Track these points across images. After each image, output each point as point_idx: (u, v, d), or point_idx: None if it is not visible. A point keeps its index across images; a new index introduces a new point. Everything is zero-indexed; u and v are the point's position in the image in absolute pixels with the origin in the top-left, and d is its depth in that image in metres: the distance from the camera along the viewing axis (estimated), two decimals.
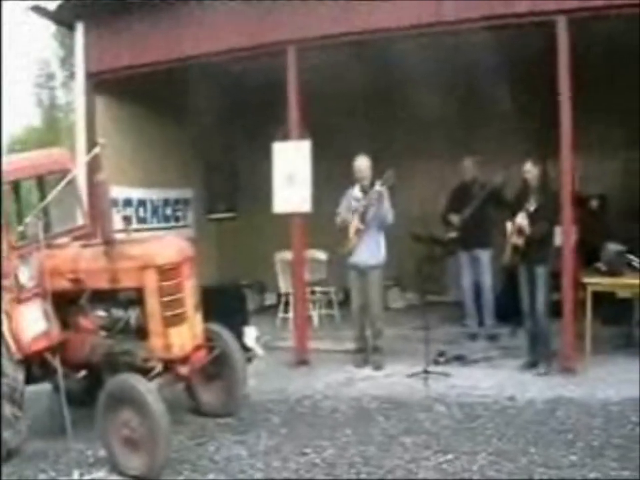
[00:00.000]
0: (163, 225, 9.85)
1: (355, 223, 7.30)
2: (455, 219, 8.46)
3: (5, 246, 5.37)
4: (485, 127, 9.52)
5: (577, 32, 6.54)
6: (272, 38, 7.62)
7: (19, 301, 5.43)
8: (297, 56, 7.55)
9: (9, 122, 16.04)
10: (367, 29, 7.28)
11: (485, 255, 8.38)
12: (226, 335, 5.96)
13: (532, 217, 6.78)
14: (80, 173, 6.99)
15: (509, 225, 7.00)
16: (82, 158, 7.93)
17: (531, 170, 6.94)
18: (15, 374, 5.26)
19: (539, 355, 6.93)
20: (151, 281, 5.26)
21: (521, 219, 6.76)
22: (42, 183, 6.28)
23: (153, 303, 5.27)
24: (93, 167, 7.42)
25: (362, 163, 7.43)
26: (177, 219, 10.20)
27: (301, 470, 4.92)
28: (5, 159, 5.78)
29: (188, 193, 10.43)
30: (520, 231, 6.82)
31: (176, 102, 9.06)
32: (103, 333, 5.53)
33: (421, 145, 10.16)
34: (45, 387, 5.91)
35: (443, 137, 9.67)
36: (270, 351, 8.20)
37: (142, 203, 9.48)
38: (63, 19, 8.91)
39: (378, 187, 7.17)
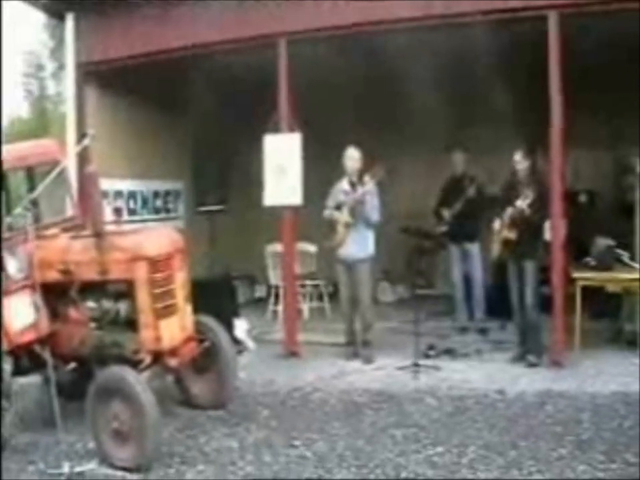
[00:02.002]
0: (153, 216, 9.82)
1: (343, 217, 7.30)
2: (445, 212, 8.49)
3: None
4: (475, 121, 9.52)
5: (569, 27, 6.55)
6: (263, 30, 7.58)
7: (8, 292, 5.39)
8: (288, 48, 7.53)
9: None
10: (358, 22, 7.27)
11: (475, 249, 8.41)
12: (216, 327, 5.94)
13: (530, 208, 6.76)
14: (70, 164, 6.95)
15: (497, 221, 7.01)
16: (72, 149, 7.88)
17: (520, 161, 6.94)
18: (4, 365, 5.22)
19: (529, 349, 6.95)
20: (141, 273, 5.24)
21: (521, 203, 6.72)
22: (31, 174, 6.24)
23: (143, 294, 5.25)
24: (83, 158, 7.41)
25: (352, 155, 7.42)
26: (167, 211, 10.17)
27: (291, 462, 4.92)
28: None
29: (178, 184, 10.40)
30: (513, 224, 6.81)
31: (167, 93, 9.02)
32: (93, 325, 5.49)
33: (411, 139, 10.16)
34: (35, 379, 5.88)
35: (433, 130, 9.67)
36: (260, 343, 8.20)
37: (132, 194, 9.43)
38: (53, 9, 8.84)
39: (367, 181, 7.17)
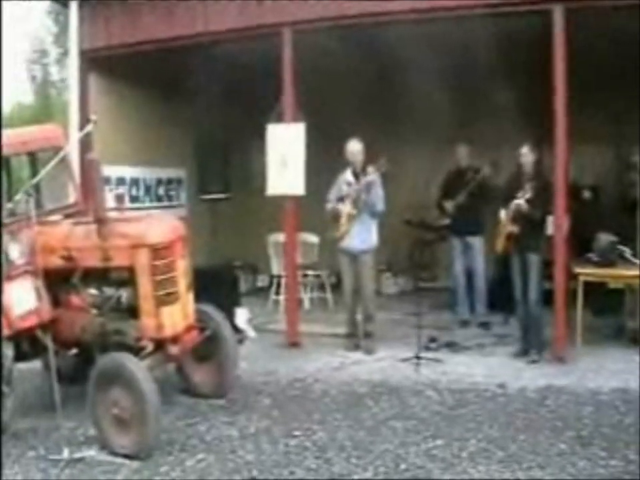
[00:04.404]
0: (155, 204, 9.78)
1: (347, 208, 7.28)
2: (448, 205, 8.45)
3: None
4: (478, 115, 9.48)
5: (574, 21, 6.51)
6: (267, 19, 7.54)
7: (9, 277, 5.38)
8: (293, 38, 7.49)
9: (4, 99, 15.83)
10: (363, 12, 7.22)
11: (477, 242, 8.38)
12: (217, 315, 5.94)
13: (528, 203, 6.76)
14: (72, 150, 6.92)
15: (502, 213, 6.99)
16: (75, 135, 7.86)
17: (527, 154, 6.92)
18: (5, 351, 5.22)
19: (531, 343, 6.95)
20: (143, 260, 5.23)
21: (520, 199, 6.72)
22: (34, 159, 6.21)
23: (144, 282, 5.25)
24: (86, 144, 7.39)
25: (354, 147, 7.41)
26: (169, 199, 10.15)
27: (291, 452, 4.92)
28: None
29: (181, 172, 10.37)
30: (515, 219, 6.81)
31: (170, 81, 8.98)
32: (95, 311, 5.48)
33: (414, 130, 10.13)
34: (35, 364, 5.88)
35: (437, 122, 9.62)
36: (261, 333, 8.20)
37: (135, 181, 9.40)
38: None
39: (371, 173, 7.15)
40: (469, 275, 8.50)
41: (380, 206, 7.30)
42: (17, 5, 15.88)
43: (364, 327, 7.51)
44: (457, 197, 8.34)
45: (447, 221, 8.56)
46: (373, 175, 7.16)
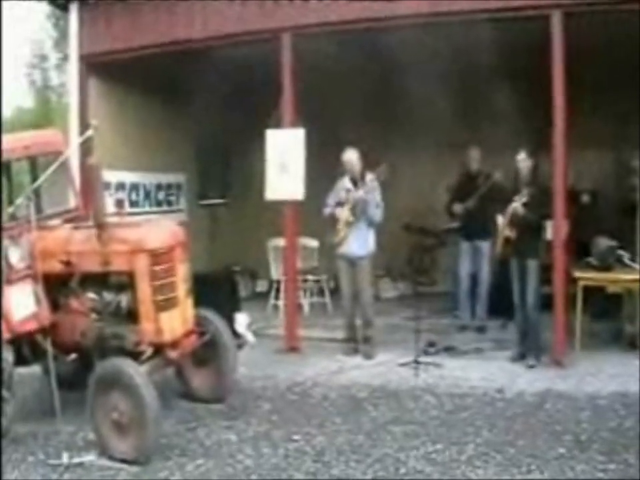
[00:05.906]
0: (155, 209, 9.80)
1: (344, 215, 7.30)
2: (458, 208, 8.43)
3: None
4: (478, 120, 9.50)
5: (572, 26, 6.54)
6: (267, 24, 7.57)
7: (9, 281, 5.39)
8: (292, 42, 7.51)
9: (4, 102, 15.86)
10: (363, 17, 7.25)
11: (485, 246, 8.34)
12: (217, 320, 5.95)
13: (524, 207, 6.77)
14: (73, 155, 6.94)
15: (500, 218, 7.01)
16: (75, 140, 7.87)
17: (524, 159, 6.94)
18: (5, 355, 5.22)
19: (529, 348, 6.96)
20: (142, 265, 5.25)
21: (516, 203, 6.74)
22: (34, 164, 6.23)
23: (144, 286, 5.26)
24: (86, 149, 7.40)
25: (351, 157, 7.42)
26: (169, 204, 10.15)
27: (290, 456, 4.93)
28: None
29: (180, 177, 10.38)
30: (512, 223, 6.83)
31: (170, 86, 9.00)
32: (94, 316, 5.50)
33: (414, 136, 10.15)
34: (35, 369, 5.89)
35: (436, 128, 9.65)
36: (261, 337, 8.20)
37: (134, 186, 9.41)
38: (57, 0, 8.83)
39: (369, 180, 7.16)
40: (474, 279, 8.49)
41: (378, 216, 7.31)
42: (16, 5, 15.87)
43: (363, 331, 7.52)
44: (467, 201, 8.32)
45: (455, 224, 8.53)
46: (371, 184, 7.17)
